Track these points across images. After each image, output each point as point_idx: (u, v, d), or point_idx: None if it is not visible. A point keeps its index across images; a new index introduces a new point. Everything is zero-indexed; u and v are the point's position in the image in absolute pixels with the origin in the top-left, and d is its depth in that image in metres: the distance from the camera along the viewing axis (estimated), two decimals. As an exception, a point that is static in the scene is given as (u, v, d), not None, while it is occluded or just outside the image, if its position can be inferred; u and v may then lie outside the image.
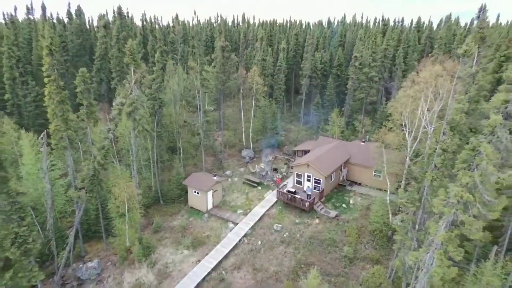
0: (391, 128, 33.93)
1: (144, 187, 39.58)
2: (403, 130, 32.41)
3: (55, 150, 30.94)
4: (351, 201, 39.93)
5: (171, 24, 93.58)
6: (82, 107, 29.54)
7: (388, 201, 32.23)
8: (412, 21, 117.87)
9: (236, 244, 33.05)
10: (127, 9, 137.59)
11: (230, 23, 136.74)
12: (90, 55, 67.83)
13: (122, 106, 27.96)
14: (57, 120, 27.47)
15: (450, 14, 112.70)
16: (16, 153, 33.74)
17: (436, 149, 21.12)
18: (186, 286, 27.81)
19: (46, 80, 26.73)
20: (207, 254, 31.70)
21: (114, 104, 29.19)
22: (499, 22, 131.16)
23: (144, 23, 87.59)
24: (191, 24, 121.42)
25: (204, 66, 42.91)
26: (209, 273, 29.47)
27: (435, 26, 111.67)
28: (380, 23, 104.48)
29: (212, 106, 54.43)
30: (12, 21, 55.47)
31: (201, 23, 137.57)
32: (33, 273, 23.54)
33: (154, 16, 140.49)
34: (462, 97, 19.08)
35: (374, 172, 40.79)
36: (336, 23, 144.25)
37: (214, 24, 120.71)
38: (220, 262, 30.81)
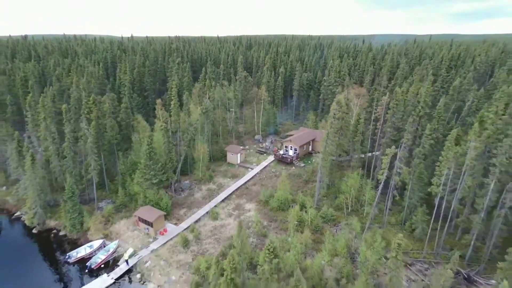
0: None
1: (204, 151, 72.75)
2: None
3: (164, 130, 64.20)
4: (314, 160, 72.49)
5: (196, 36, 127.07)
6: (184, 108, 62.85)
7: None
8: (383, 45, 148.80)
9: (253, 176, 65.98)
10: (176, 38, 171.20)
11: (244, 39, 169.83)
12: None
13: (204, 108, 61.23)
14: (175, 115, 60.76)
15: (417, 37, 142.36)
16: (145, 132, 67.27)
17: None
18: (230, 189, 60.77)
19: (172, 97, 60.11)
20: (239, 180, 64.65)
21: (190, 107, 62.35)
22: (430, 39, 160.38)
23: (188, 48, 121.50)
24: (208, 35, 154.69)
25: (235, 86, 75.55)
26: (240, 186, 62.40)
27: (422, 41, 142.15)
28: (353, 48, 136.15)
29: (237, 108, 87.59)
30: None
31: (222, 42, 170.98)
32: (173, 175, 56.95)
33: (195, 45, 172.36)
34: (342, 107, 51.47)
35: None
36: (328, 41, 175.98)
37: (233, 46, 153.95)
38: (245, 182, 63.70)
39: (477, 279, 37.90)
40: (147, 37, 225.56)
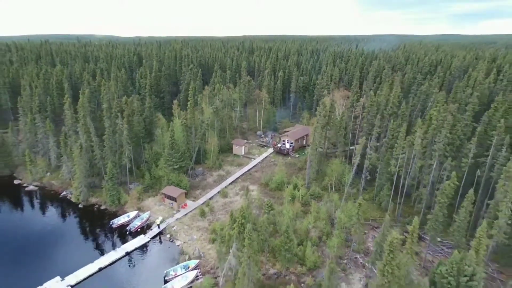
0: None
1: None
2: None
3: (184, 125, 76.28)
4: (307, 152, 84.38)
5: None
6: (197, 107, 74.87)
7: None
8: (374, 50, 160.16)
9: (255, 165, 78.08)
10: (176, 44, 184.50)
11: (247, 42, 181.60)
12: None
13: (215, 108, 73.32)
14: (191, 113, 72.80)
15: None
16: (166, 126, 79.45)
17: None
18: (237, 175, 72.82)
19: (189, 98, 72.19)
20: (243, 167, 76.73)
21: (203, 107, 74.56)
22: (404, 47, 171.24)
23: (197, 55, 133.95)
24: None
25: (240, 89, 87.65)
26: (245, 172, 74.47)
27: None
28: (347, 53, 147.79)
29: (241, 108, 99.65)
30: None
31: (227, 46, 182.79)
32: (190, 163, 69.08)
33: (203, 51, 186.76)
34: (327, 108, 63.48)
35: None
36: (324, 45, 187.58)
37: (236, 51, 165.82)
38: (249, 170, 75.77)
39: (425, 237, 49.91)
40: (156, 41, 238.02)
